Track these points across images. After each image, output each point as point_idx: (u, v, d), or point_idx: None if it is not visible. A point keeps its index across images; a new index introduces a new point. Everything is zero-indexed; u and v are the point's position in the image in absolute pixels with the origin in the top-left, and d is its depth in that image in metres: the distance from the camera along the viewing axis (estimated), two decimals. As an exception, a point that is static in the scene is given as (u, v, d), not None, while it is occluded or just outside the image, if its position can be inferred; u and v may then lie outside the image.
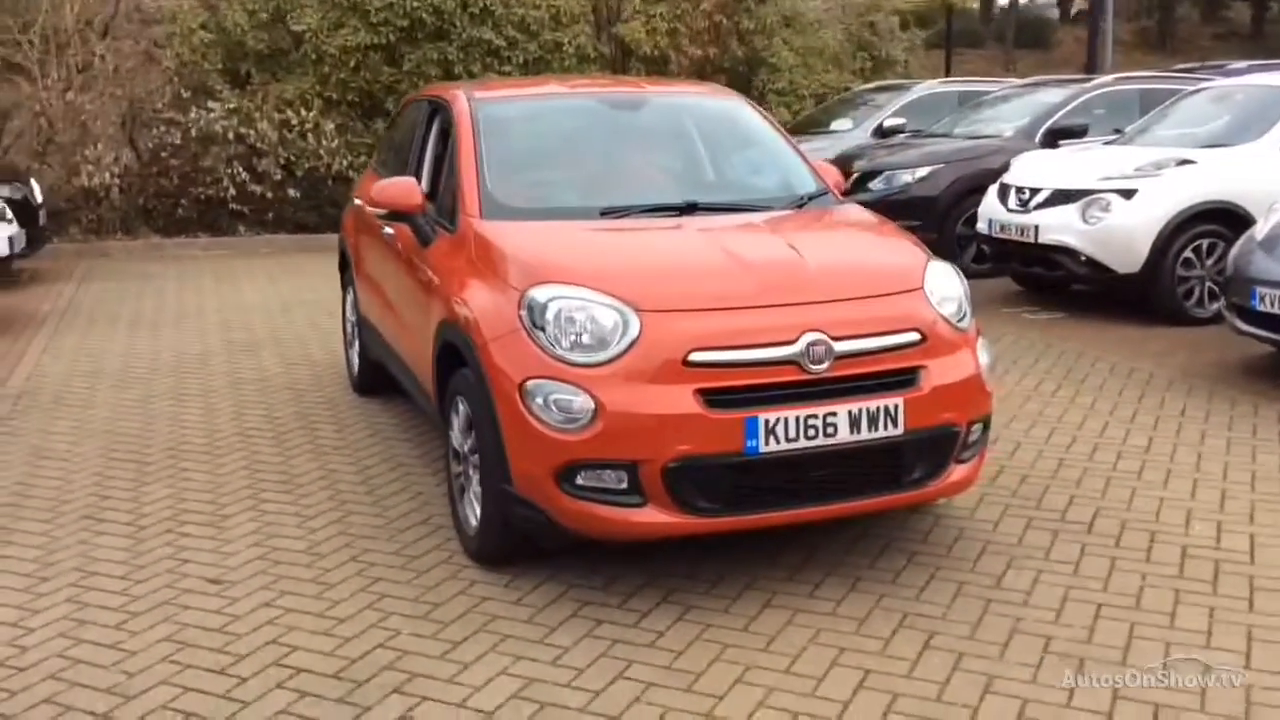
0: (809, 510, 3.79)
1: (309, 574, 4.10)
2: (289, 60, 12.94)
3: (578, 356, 3.63)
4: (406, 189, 4.66)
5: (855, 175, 10.57)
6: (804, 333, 3.65)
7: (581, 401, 3.58)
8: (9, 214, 8.87)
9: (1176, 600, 3.79)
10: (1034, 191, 8.45)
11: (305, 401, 6.43)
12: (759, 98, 14.63)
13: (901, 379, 3.79)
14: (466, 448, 4.11)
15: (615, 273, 3.84)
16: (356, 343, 6.38)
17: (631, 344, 3.62)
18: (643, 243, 4.22)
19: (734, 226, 4.39)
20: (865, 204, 10.18)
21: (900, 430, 3.73)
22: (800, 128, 13.34)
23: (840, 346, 3.69)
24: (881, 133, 12.13)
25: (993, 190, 8.96)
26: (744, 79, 14.74)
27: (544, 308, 3.72)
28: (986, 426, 4.14)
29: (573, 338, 3.66)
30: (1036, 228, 8.28)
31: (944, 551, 4.21)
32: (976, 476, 4.17)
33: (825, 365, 3.66)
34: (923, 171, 10.27)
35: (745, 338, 3.65)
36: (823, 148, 11.80)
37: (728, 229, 4.34)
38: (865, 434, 3.69)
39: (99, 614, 3.80)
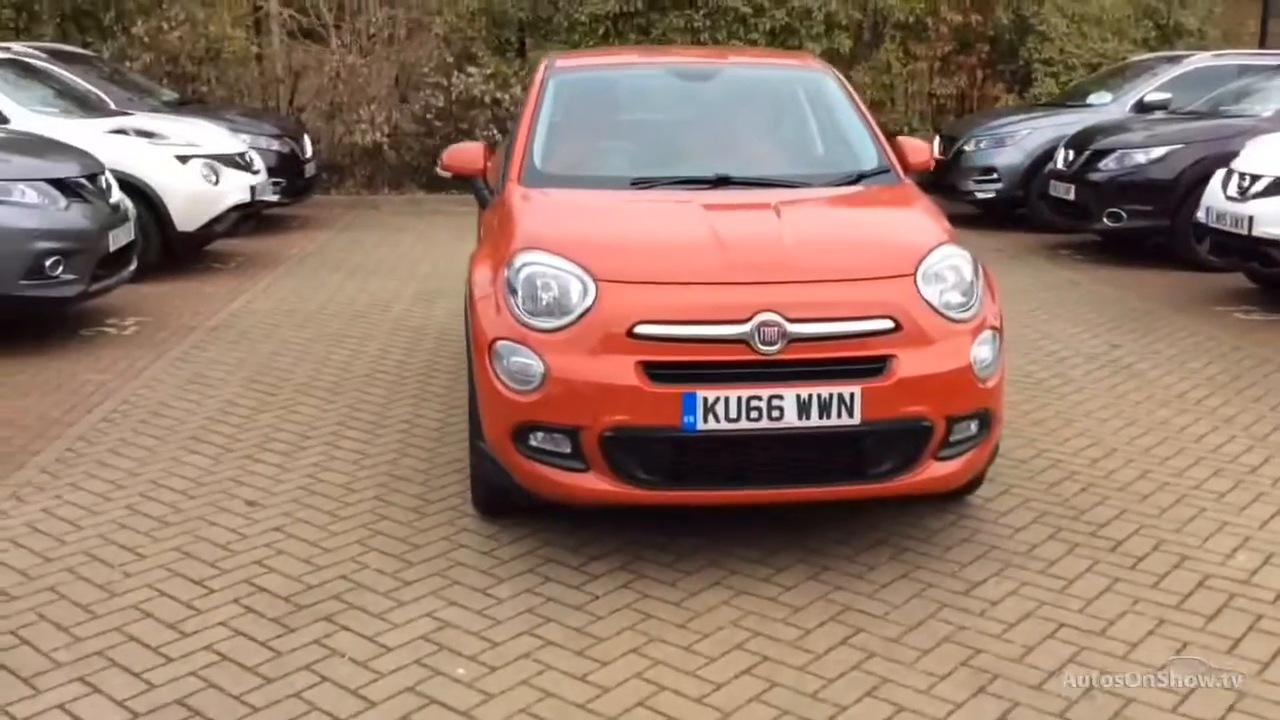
0: (757, 493, 3.76)
1: (329, 505, 4.46)
2: (549, 27, 13.51)
3: (538, 321, 3.75)
4: (472, 153, 4.90)
5: (1088, 153, 9.92)
6: (757, 313, 3.60)
7: (535, 365, 3.70)
8: (257, 164, 9.84)
9: (1152, 631, 3.47)
10: (1254, 178, 7.63)
11: (442, 351, 6.85)
12: (1024, 67, 13.91)
13: (864, 367, 3.65)
14: (473, 404, 4.32)
15: (587, 242, 3.93)
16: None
17: (585, 312, 3.70)
18: (638, 214, 4.27)
19: (742, 203, 4.34)
20: (1094, 184, 9.73)
21: (856, 420, 3.61)
22: (1059, 100, 12.58)
23: (795, 329, 3.60)
24: (1142, 107, 11.23)
25: (1218, 176, 8.14)
26: (1010, 47, 14.01)
27: (518, 272, 3.86)
28: (985, 424, 3.90)
29: (536, 302, 3.78)
30: (1251, 218, 7.49)
31: (939, 553, 4.03)
32: (966, 475, 3.94)
33: (777, 347, 3.60)
34: (1158, 152, 9.47)
35: (694, 313, 3.64)
36: (1073, 122, 11.13)
37: (733, 205, 4.30)
38: (815, 420, 3.60)
39: (140, 521, 4.31)
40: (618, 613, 3.61)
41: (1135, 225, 9.53)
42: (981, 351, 3.84)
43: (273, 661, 3.32)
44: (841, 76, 5.20)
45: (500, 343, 3.81)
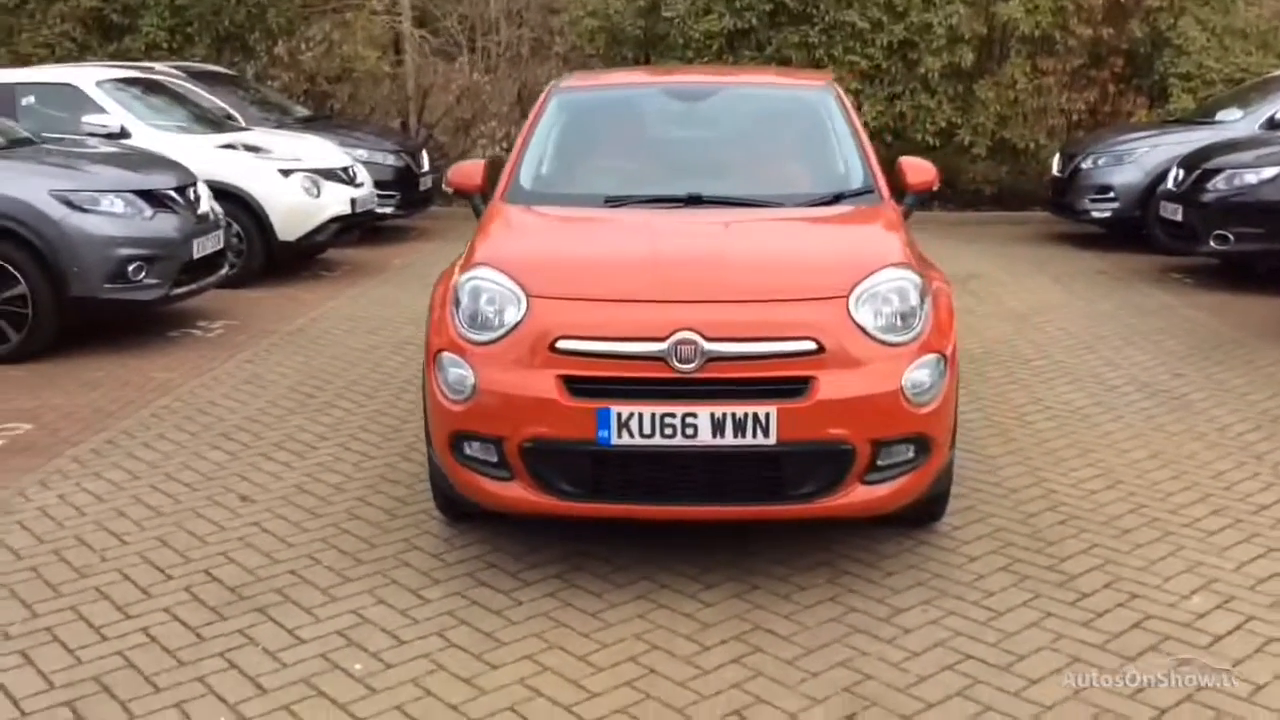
0: (677, 509, 3.79)
1: (312, 503, 4.68)
2: (664, 45, 13.66)
3: (474, 334, 3.88)
4: (471, 171, 5.06)
5: (1197, 173, 9.46)
6: (675, 330, 3.63)
7: (468, 376, 3.83)
8: (360, 178, 10.29)
9: (1059, 669, 3.36)
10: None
11: (491, 361, 7.04)
12: (1160, 82, 13.32)
13: (783, 388, 3.64)
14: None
15: (531, 258, 4.05)
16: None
17: (515, 326, 3.81)
18: (592, 231, 4.36)
19: (697, 222, 4.37)
20: (1202, 205, 9.27)
21: (772, 440, 3.61)
22: (1187, 117, 12.01)
23: (713, 348, 3.62)
24: (1274, 124, 10.63)
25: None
26: (1146, 61, 13.44)
27: (463, 285, 4.00)
28: (923, 449, 3.83)
29: (476, 316, 3.91)
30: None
31: (879, 577, 3.97)
32: (901, 500, 3.86)
33: (693, 365, 3.62)
34: (1269, 172, 8.95)
35: (614, 329, 3.70)
36: (1197, 139, 10.60)
37: (686, 224, 4.34)
38: (731, 439, 3.61)
39: (138, 510, 4.62)
40: (532, 619, 3.69)
41: (1243, 248, 9.05)
42: (918, 375, 3.77)
43: (193, 647, 3.54)
44: (843, 95, 5.13)
45: (443, 353, 3.95)
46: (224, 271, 8.13)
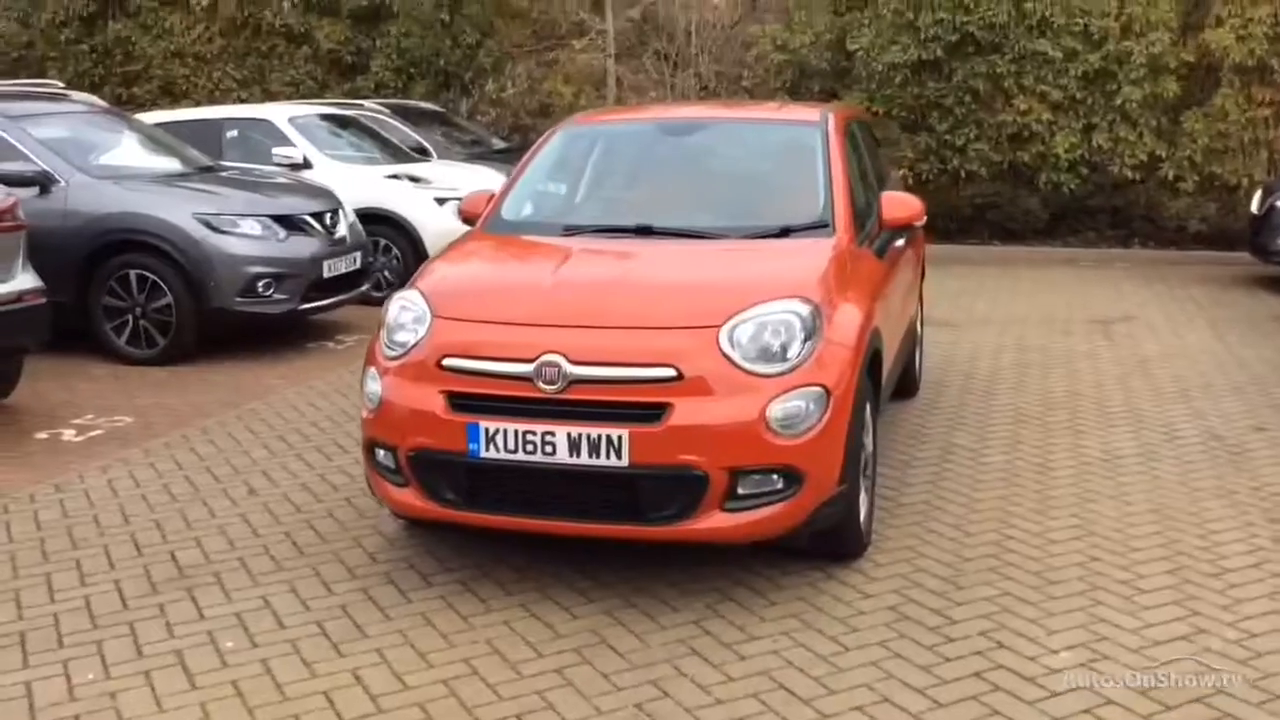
0: (547, 523, 3.97)
1: (303, 500, 5.13)
2: (849, 78, 13.61)
3: (388, 350, 4.22)
4: (477, 201, 5.40)
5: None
6: (542, 353, 3.83)
7: (377, 389, 4.17)
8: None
9: (859, 707, 3.31)
10: None
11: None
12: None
13: (637, 412, 3.76)
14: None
15: (450, 283, 4.37)
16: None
17: (417, 344, 4.12)
18: (514, 259, 4.63)
19: (627, 250, 4.53)
20: None
21: (624, 462, 3.74)
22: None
23: (575, 370, 3.80)
24: None
25: None
26: (1381, 91, 12.24)
27: (391, 305, 4.35)
28: (794, 480, 3.83)
29: (393, 334, 4.24)
30: None
31: (759, 607, 3.99)
32: (768, 530, 3.88)
33: (556, 386, 3.81)
34: None
35: (490, 350, 3.94)
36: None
37: (615, 252, 4.53)
38: (586, 459, 3.77)
39: (158, 496, 5.19)
40: (409, 618, 3.96)
41: None
42: (787, 406, 3.79)
43: (114, 614, 4.02)
44: (834, 131, 5.07)
45: (368, 368, 4.31)
46: (361, 289, 8.86)
